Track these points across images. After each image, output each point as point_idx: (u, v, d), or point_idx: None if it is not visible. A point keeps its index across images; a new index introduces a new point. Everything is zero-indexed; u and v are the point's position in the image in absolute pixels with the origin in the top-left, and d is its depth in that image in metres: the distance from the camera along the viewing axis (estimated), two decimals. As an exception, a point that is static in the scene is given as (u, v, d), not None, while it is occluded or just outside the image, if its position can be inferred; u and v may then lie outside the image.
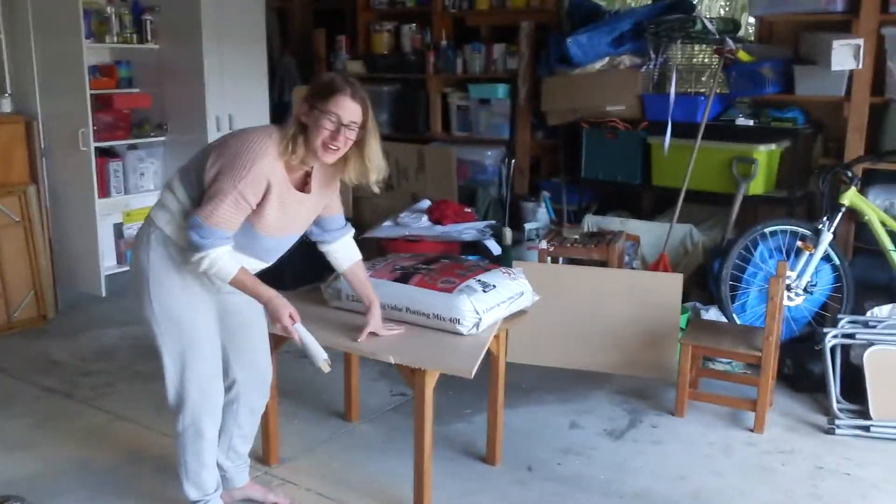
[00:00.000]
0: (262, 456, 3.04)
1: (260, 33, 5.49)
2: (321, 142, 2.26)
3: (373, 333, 2.58)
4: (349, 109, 2.26)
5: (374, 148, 2.36)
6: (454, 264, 2.85)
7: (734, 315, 4.03)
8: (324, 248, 2.64)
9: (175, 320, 2.39)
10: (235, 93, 5.33)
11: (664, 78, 4.56)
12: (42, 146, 4.75)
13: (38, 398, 3.70)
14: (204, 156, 2.33)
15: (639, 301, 3.81)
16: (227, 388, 2.66)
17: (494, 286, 2.69)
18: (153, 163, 5.30)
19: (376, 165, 2.38)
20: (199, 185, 2.31)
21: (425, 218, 4.90)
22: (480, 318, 2.58)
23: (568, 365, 3.90)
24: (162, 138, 5.30)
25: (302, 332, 2.41)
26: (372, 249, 4.93)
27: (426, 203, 5.12)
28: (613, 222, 4.73)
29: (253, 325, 2.64)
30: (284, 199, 2.32)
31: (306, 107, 2.27)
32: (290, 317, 2.39)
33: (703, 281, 4.39)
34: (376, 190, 2.42)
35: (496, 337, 2.84)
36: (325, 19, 6.40)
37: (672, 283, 3.77)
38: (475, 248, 4.89)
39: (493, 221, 5.02)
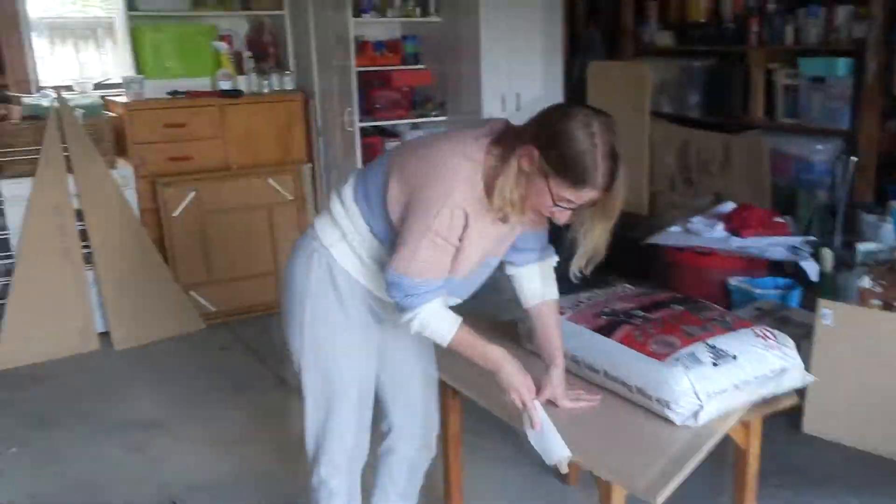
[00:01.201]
0: (442, 512, 2.53)
1: (555, 2, 4.90)
2: (534, 210, 1.71)
3: (551, 402, 1.91)
4: (592, 198, 1.65)
5: (599, 230, 1.72)
6: (686, 314, 2.03)
7: None
8: (509, 272, 2.02)
9: (327, 359, 1.95)
10: (524, 69, 4.84)
11: None
12: (318, 124, 4.68)
13: (268, 389, 3.59)
14: (384, 169, 1.81)
15: None
16: (384, 435, 2.21)
17: (734, 357, 1.84)
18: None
19: (588, 247, 1.74)
20: (378, 207, 1.80)
21: (721, 226, 3.97)
22: (702, 406, 1.76)
23: (891, 454, 2.80)
24: (443, 118, 4.98)
25: (542, 415, 1.81)
26: (657, 260, 4.17)
27: (729, 206, 4.16)
28: None
29: (416, 363, 2.13)
30: (484, 233, 1.75)
31: (536, 164, 1.63)
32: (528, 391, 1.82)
33: None
34: (572, 277, 1.80)
35: (744, 424, 1.99)
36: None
37: None
38: (785, 269, 3.86)
39: (815, 238, 3.91)
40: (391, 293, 1.76)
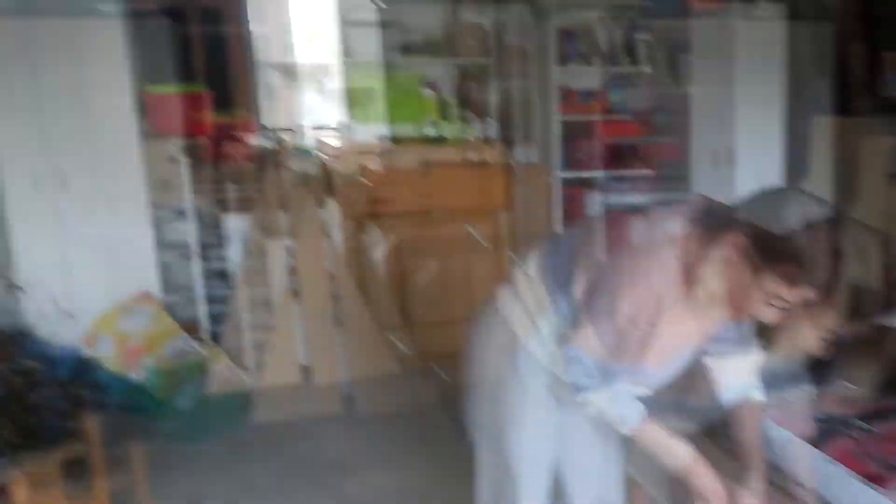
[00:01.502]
0: None
1: (774, 52, 4.59)
2: (739, 307, 1.54)
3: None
4: (808, 299, 1.47)
5: (808, 335, 1.53)
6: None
7: None
8: (705, 362, 1.83)
9: (501, 437, 1.87)
10: (739, 123, 4.55)
11: None
12: (518, 172, 4.67)
13: (456, 443, 3.48)
14: (572, 244, 1.75)
15: None
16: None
17: (978, 494, 1.56)
18: (635, 200, 4.82)
19: (788, 348, 1.59)
20: (564, 284, 1.71)
21: (965, 310, 3.48)
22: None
23: None
24: (648, 172, 4.80)
25: None
26: (891, 343, 3.72)
27: (977, 287, 3.65)
28: None
29: (600, 452, 1.99)
30: (679, 320, 1.60)
31: (745, 256, 1.47)
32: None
33: None
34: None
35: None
36: (886, 32, 5.05)
37: None
38: None
39: None
40: (569, 370, 1.66)
